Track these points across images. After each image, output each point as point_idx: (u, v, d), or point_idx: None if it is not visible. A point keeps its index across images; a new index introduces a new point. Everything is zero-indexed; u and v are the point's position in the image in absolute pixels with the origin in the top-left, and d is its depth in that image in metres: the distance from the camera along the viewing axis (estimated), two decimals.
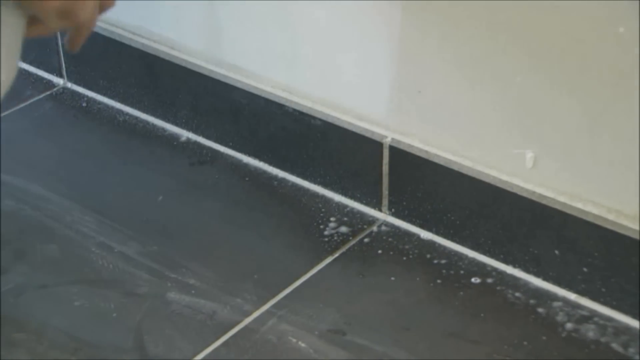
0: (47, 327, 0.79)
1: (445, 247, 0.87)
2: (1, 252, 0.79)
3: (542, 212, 0.79)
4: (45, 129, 1.05)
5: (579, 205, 0.78)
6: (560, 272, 0.81)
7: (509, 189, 0.81)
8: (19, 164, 0.99)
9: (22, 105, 1.08)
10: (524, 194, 0.80)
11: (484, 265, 0.85)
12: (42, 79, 1.12)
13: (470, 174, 0.83)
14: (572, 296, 0.81)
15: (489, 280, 0.84)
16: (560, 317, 0.79)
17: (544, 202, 0.79)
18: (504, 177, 0.82)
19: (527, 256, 0.83)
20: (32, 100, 1.09)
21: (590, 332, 0.78)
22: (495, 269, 0.85)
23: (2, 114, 1.07)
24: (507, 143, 0.81)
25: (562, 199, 0.79)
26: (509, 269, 0.84)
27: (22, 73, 1.14)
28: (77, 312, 0.81)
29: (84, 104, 1.09)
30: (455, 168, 0.84)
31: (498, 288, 0.83)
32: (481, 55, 0.79)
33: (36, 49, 1.12)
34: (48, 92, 1.11)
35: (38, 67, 1.13)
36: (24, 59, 1.14)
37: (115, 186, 0.96)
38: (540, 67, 0.76)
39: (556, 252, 0.80)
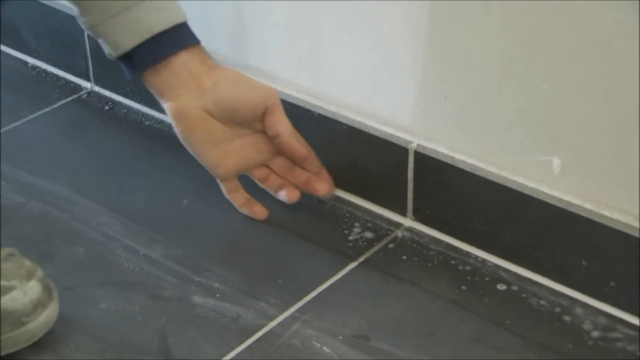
0: (73, 329, 0.79)
1: (470, 254, 0.87)
2: (28, 253, 0.80)
3: (569, 219, 0.79)
4: (72, 132, 1.06)
5: (606, 213, 0.77)
6: (587, 280, 0.80)
7: (535, 195, 0.81)
8: (46, 167, 0.99)
9: (49, 108, 1.09)
10: (551, 201, 0.80)
11: (509, 272, 0.85)
12: (69, 82, 1.13)
13: (496, 180, 0.83)
14: (599, 304, 0.80)
15: (514, 288, 0.83)
16: (586, 326, 0.79)
17: (570, 209, 0.79)
18: (530, 184, 0.81)
19: (553, 263, 0.82)
20: (59, 104, 1.10)
21: (617, 341, 0.77)
22: (520, 276, 0.84)
23: (30, 117, 1.08)
24: (534, 149, 0.80)
25: (589, 206, 0.78)
26: (535, 276, 0.84)
27: (50, 76, 1.16)
28: (103, 314, 0.81)
29: (111, 108, 1.09)
30: (481, 174, 0.84)
31: (523, 295, 0.82)
32: (508, 62, 0.79)
33: (64, 53, 1.13)
34: (75, 96, 1.12)
35: (66, 70, 1.14)
36: (52, 62, 1.15)
37: (141, 189, 0.97)
38: (568, 73, 0.76)
39: (583, 259, 0.80)
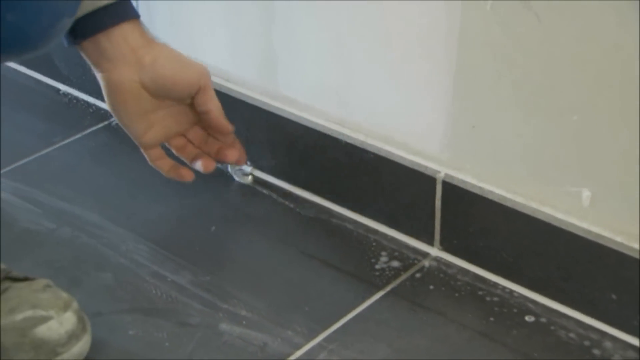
0: (102, 355, 0.80)
1: (498, 284, 0.87)
2: (58, 279, 0.81)
3: (598, 251, 0.78)
4: (102, 159, 1.07)
5: (636, 246, 0.77)
6: (616, 313, 0.80)
7: (564, 227, 0.80)
8: (77, 193, 1.01)
9: (80, 134, 1.11)
10: (580, 233, 0.79)
11: (537, 303, 0.84)
12: (100, 109, 1.15)
13: (524, 210, 0.83)
14: (628, 338, 0.79)
15: (543, 320, 0.83)
16: (615, 359, 0.78)
17: (600, 241, 0.78)
18: (559, 215, 0.81)
19: (582, 296, 0.81)
20: (90, 130, 1.12)
21: None
22: (549, 308, 0.83)
23: (62, 143, 1.10)
24: (563, 180, 0.80)
25: (619, 238, 0.78)
26: (564, 309, 0.83)
27: (81, 103, 1.17)
28: (131, 340, 0.81)
29: None
30: (509, 205, 0.84)
31: (552, 328, 0.82)
32: (537, 91, 0.79)
33: (95, 80, 1.14)
34: (105, 122, 1.13)
35: (97, 97, 1.15)
36: (84, 89, 1.17)
37: (169, 215, 0.97)
38: (598, 104, 0.76)
39: (612, 292, 0.79)
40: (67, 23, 0.67)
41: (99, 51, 0.79)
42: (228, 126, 0.85)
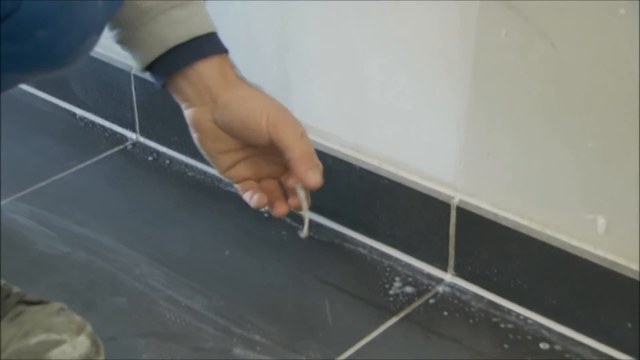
0: None
1: (512, 311, 0.86)
2: (72, 303, 0.81)
3: (614, 279, 0.78)
4: (117, 182, 1.07)
5: None
6: (632, 341, 0.79)
7: (579, 254, 0.80)
8: (92, 216, 1.01)
9: (95, 158, 1.11)
10: (595, 260, 0.79)
11: (552, 331, 0.84)
12: (115, 133, 1.15)
13: (539, 237, 0.82)
14: None
15: (558, 347, 0.82)
16: None
17: (615, 269, 0.78)
18: (574, 242, 0.81)
19: (597, 324, 0.81)
20: (105, 154, 1.12)
21: None
22: (564, 336, 0.83)
23: (77, 167, 1.10)
24: (578, 208, 0.80)
25: (634, 266, 0.77)
26: (579, 336, 0.82)
27: (97, 127, 1.18)
28: None
29: (155, 158, 1.11)
30: (524, 231, 0.83)
31: (567, 355, 0.81)
32: (552, 118, 0.79)
33: (111, 105, 1.15)
34: (121, 146, 1.14)
35: (112, 121, 1.16)
36: (100, 113, 1.17)
37: (183, 240, 0.98)
38: (613, 131, 0.75)
39: (628, 321, 0.79)
40: (95, 40, 0.67)
41: (178, 90, 0.79)
42: (312, 180, 0.77)
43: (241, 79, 0.80)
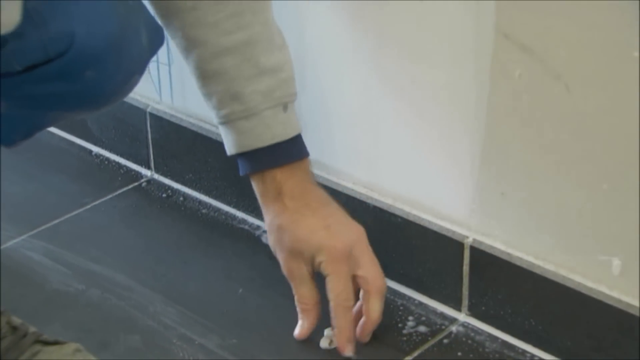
0: None
1: (526, 352, 0.86)
2: (86, 341, 0.81)
3: (629, 321, 0.78)
4: (131, 220, 1.08)
5: None
6: None
7: (594, 295, 0.80)
8: (106, 254, 1.01)
9: (110, 195, 1.12)
10: (610, 302, 0.79)
11: None
12: (130, 170, 1.16)
13: (553, 278, 0.82)
14: None
15: None
16: None
17: (630, 311, 0.78)
18: (589, 284, 0.80)
19: None
20: (120, 191, 1.13)
21: None
22: None
23: (92, 204, 1.11)
24: (593, 249, 0.80)
25: None
26: None
27: (112, 164, 1.19)
28: None
29: (169, 195, 1.12)
30: (538, 272, 0.83)
31: None
32: (566, 159, 0.79)
33: (127, 142, 1.16)
34: (136, 183, 1.14)
35: (127, 158, 1.17)
36: (115, 150, 1.18)
37: (197, 278, 0.98)
38: (628, 172, 0.76)
39: None
40: (137, 80, 0.68)
41: (255, 188, 0.83)
42: (371, 315, 0.83)
43: (312, 189, 0.83)
